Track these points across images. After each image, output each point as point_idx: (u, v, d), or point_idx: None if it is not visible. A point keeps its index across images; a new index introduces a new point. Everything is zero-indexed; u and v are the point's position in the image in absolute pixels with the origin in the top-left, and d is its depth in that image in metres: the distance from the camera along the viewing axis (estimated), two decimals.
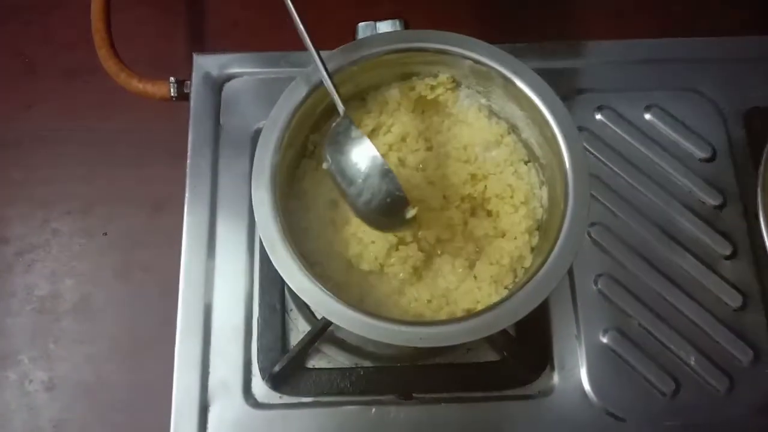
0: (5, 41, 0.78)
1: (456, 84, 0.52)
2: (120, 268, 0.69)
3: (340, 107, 0.45)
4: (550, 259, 0.44)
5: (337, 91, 0.45)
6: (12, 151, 0.74)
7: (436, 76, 0.52)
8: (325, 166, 0.44)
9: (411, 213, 0.42)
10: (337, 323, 0.42)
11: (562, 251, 0.45)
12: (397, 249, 0.49)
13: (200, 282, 0.57)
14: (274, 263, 0.44)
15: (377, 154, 0.42)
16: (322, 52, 0.58)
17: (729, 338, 0.56)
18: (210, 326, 0.56)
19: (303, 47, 0.61)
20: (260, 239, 0.56)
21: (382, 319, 0.42)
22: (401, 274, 0.48)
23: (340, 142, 0.43)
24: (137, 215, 0.71)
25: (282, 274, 0.44)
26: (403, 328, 0.42)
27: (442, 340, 0.42)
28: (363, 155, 0.42)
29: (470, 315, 0.43)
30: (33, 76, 0.77)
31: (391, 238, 0.48)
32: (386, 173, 0.41)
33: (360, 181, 0.42)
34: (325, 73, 0.45)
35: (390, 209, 0.42)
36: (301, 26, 0.45)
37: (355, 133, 0.43)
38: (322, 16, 0.77)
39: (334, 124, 0.45)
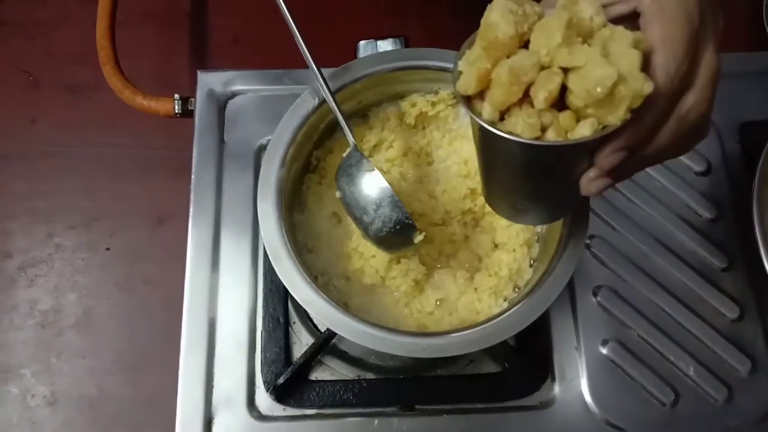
0: (10, 56, 0.79)
1: (456, 100, 0.53)
2: (123, 282, 0.69)
3: (351, 139, 0.46)
4: (550, 272, 0.45)
5: (345, 120, 0.46)
6: (16, 166, 0.74)
7: (437, 92, 0.53)
8: (338, 195, 0.47)
9: (419, 238, 0.45)
10: (342, 334, 0.43)
11: (562, 264, 0.45)
12: (398, 262, 0.49)
13: (204, 296, 0.57)
14: (279, 275, 0.45)
15: (387, 185, 0.44)
16: (325, 70, 0.60)
17: (727, 349, 0.56)
18: (214, 339, 0.56)
19: (305, 65, 0.63)
20: (264, 253, 0.57)
21: (386, 331, 0.43)
22: (403, 287, 0.49)
23: (353, 174, 0.45)
24: (140, 229, 0.71)
25: (287, 286, 0.44)
26: (407, 339, 0.43)
27: (445, 350, 0.43)
28: (374, 186, 0.45)
29: (472, 326, 0.44)
30: (37, 90, 0.78)
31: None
32: (396, 203, 0.44)
33: (372, 210, 0.45)
34: (333, 104, 0.47)
35: (400, 234, 0.45)
36: (306, 52, 0.46)
37: (366, 166, 0.45)
38: (322, 33, 0.78)
39: (344, 155, 0.47)
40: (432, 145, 0.54)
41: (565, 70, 0.32)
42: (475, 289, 0.50)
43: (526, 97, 0.33)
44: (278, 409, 0.54)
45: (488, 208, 0.52)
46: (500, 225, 0.51)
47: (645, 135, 0.34)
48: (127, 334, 0.67)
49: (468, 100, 0.35)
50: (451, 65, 0.49)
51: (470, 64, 0.34)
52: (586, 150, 0.34)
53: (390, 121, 0.54)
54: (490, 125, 0.34)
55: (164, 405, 0.56)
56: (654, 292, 0.58)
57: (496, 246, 0.51)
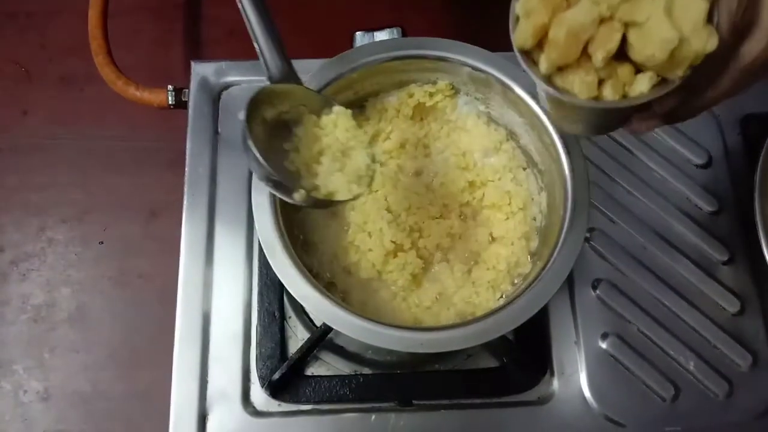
0: (1, 48, 0.78)
1: (455, 91, 0.52)
2: (116, 276, 0.68)
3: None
4: (549, 266, 0.44)
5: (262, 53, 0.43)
6: (7, 158, 0.73)
7: (434, 83, 0.52)
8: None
9: (298, 196, 0.40)
10: (338, 329, 0.42)
11: (562, 257, 0.45)
12: (395, 256, 0.49)
13: (199, 289, 0.56)
14: (274, 269, 0.44)
15: (249, 140, 0.40)
16: (321, 60, 0.59)
17: (728, 343, 0.56)
18: (209, 334, 0.55)
19: (300, 56, 0.62)
20: (259, 246, 0.56)
21: (383, 326, 0.42)
22: (400, 281, 0.48)
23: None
24: (134, 223, 0.70)
25: (282, 280, 0.43)
26: (404, 334, 0.42)
27: (444, 345, 0.42)
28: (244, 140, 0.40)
29: (471, 321, 0.43)
30: (29, 82, 0.77)
31: (387, 245, 0.48)
32: (256, 160, 0.39)
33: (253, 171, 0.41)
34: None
35: (281, 192, 0.41)
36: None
37: (240, 114, 0.41)
38: (319, 24, 0.78)
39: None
40: (430, 136, 0.53)
41: (626, 23, 0.31)
42: (473, 282, 0.49)
43: (584, 53, 0.32)
44: (273, 405, 0.53)
45: (486, 201, 0.51)
46: (498, 218, 0.50)
47: (704, 83, 0.33)
48: (121, 329, 0.66)
49: (525, 53, 0.34)
50: (448, 54, 0.49)
51: (527, 15, 0.32)
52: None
53: (387, 112, 0.53)
54: (546, 82, 0.33)
55: (158, 400, 0.55)
56: (654, 286, 0.57)
57: (494, 239, 0.50)
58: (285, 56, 0.43)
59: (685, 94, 0.33)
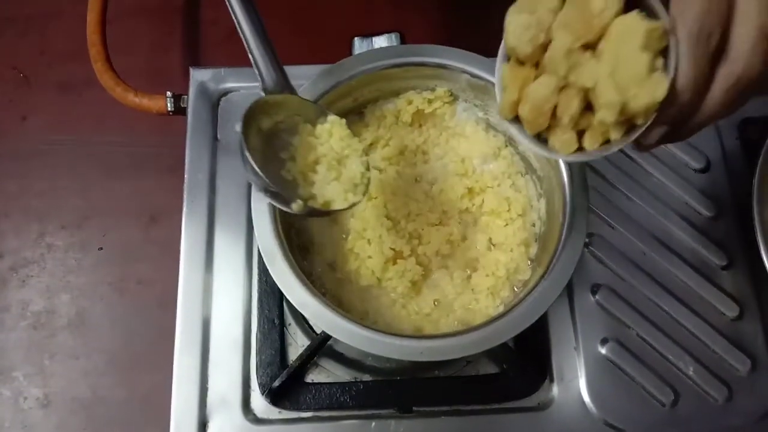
0: (0, 53, 0.78)
1: (453, 97, 0.52)
2: (116, 282, 0.68)
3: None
4: (549, 272, 0.44)
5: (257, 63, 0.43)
6: (7, 164, 0.73)
7: (433, 89, 0.52)
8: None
9: (296, 206, 0.41)
10: (338, 338, 0.42)
11: (561, 264, 0.45)
12: (394, 263, 0.49)
13: (198, 295, 0.56)
14: (273, 276, 0.44)
15: (247, 152, 0.40)
16: (320, 66, 0.59)
17: (727, 348, 0.56)
18: (209, 340, 0.55)
19: (298, 61, 0.62)
20: (258, 253, 0.56)
21: (383, 334, 0.42)
22: (399, 288, 0.48)
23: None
24: (133, 228, 0.70)
25: (281, 288, 0.43)
26: (404, 343, 0.42)
27: (443, 353, 0.42)
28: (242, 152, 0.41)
29: (471, 328, 0.43)
30: (28, 87, 0.77)
31: (387, 252, 0.48)
32: (254, 171, 0.40)
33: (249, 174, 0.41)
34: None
35: (279, 202, 0.41)
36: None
37: (237, 126, 0.41)
38: (317, 28, 0.78)
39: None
40: (429, 143, 0.53)
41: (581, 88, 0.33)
42: (473, 289, 0.49)
43: (555, 115, 0.34)
44: (274, 412, 0.53)
45: (485, 208, 0.51)
46: (497, 225, 0.50)
47: (685, 112, 0.33)
48: (121, 335, 0.66)
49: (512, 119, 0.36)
50: (447, 61, 0.49)
51: (503, 90, 0.36)
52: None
53: (386, 119, 0.53)
54: (534, 144, 0.35)
55: (159, 406, 0.55)
56: (653, 291, 0.57)
57: (493, 246, 0.50)
58: (280, 67, 0.43)
59: (670, 125, 0.33)
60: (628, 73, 0.31)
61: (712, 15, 0.31)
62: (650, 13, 0.32)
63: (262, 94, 0.43)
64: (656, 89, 0.31)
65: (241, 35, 0.43)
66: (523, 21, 0.33)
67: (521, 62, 0.35)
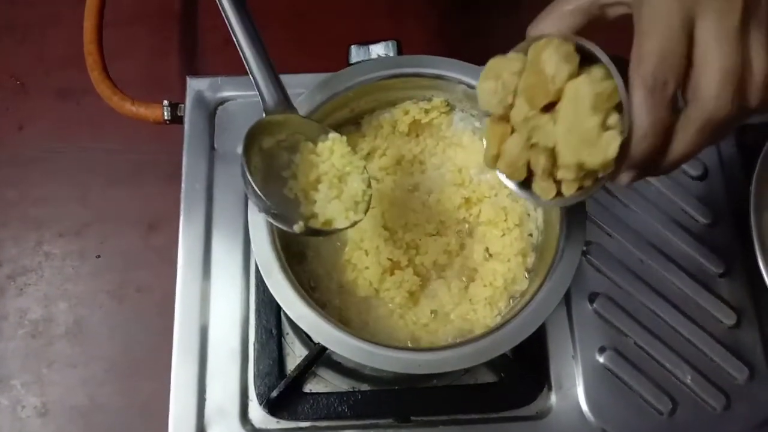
0: None
1: (450, 107, 0.52)
2: (114, 290, 0.68)
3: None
4: (546, 283, 0.44)
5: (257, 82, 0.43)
6: (4, 171, 0.73)
7: (430, 100, 0.52)
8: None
9: (297, 227, 0.41)
10: (336, 351, 0.42)
11: (559, 275, 0.45)
12: (391, 274, 0.49)
13: (196, 306, 0.56)
14: (270, 289, 0.44)
15: (248, 174, 0.40)
16: (317, 75, 0.59)
17: (724, 356, 0.56)
18: (206, 350, 0.55)
19: (295, 69, 0.62)
20: (256, 262, 0.56)
21: (381, 347, 0.42)
22: (397, 299, 0.48)
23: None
24: (131, 236, 0.70)
25: (278, 300, 0.43)
26: (402, 355, 0.42)
27: (441, 366, 0.42)
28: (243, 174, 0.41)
29: (469, 340, 0.43)
30: (25, 95, 0.77)
31: (384, 262, 0.48)
32: (257, 195, 0.40)
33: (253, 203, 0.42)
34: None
35: (281, 223, 0.41)
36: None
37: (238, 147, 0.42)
38: (315, 34, 0.78)
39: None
40: (426, 152, 0.53)
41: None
42: (470, 299, 0.49)
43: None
44: (272, 422, 0.53)
45: (482, 217, 0.51)
46: (494, 235, 0.50)
47: (649, 157, 0.33)
48: (119, 343, 0.66)
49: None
50: (444, 72, 0.49)
51: (486, 143, 0.39)
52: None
53: (383, 129, 0.53)
54: (519, 189, 0.38)
55: (157, 414, 0.55)
56: (651, 299, 0.57)
57: (490, 256, 0.50)
58: (280, 86, 0.43)
59: (640, 168, 0.34)
60: (580, 135, 0.32)
61: (666, 64, 0.31)
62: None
63: (263, 114, 0.43)
64: (608, 148, 0.32)
65: (242, 56, 0.43)
66: (489, 87, 0.36)
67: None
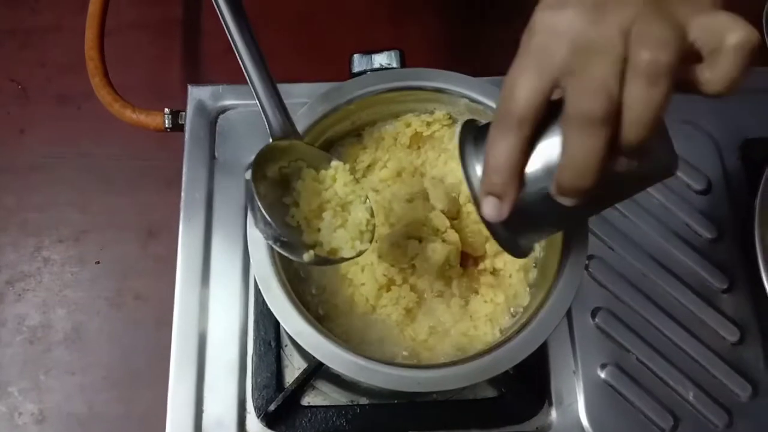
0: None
1: (452, 120, 0.52)
2: (113, 297, 0.68)
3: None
4: (549, 300, 0.44)
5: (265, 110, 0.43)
6: (4, 177, 0.73)
7: (432, 112, 0.51)
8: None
9: (307, 257, 0.41)
10: (334, 368, 0.41)
11: (561, 291, 0.44)
12: (388, 290, 0.48)
13: (195, 314, 0.56)
14: (269, 304, 0.43)
15: (257, 199, 0.40)
16: (319, 84, 0.58)
17: (727, 373, 0.55)
18: (204, 361, 0.55)
19: (297, 78, 0.61)
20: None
21: (381, 364, 0.42)
22: (394, 316, 0.48)
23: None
24: (131, 243, 0.70)
25: (277, 316, 0.43)
26: (402, 373, 0.42)
27: (440, 384, 0.42)
28: (250, 196, 0.41)
29: (469, 357, 0.43)
30: (26, 100, 0.77)
31: (380, 278, 0.48)
32: (266, 223, 0.40)
33: (258, 224, 0.41)
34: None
35: (289, 251, 0.41)
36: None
37: (247, 174, 0.41)
38: (318, 43, 0.77)
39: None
40: (427, 165, 0.53)
41: None
42: (471, 316, 0.48)
43: None
44: None
45: (483, 232, 0.50)
46: (495, 249, 0.50)
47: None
48: (118, 350, 0.66)
49: None
50: (446, 86, 0.49)
51: None
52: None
53: (384, 141, 0.52)
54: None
55: (155, 422, 0.55)
56: (653, 315, 0.57)
57: (492, 271, 0.50)
58: (286, 112, 0.43)
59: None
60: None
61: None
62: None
63: (269, 139, 0.43)
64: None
65: (249, 81, 0.43)
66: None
67: None
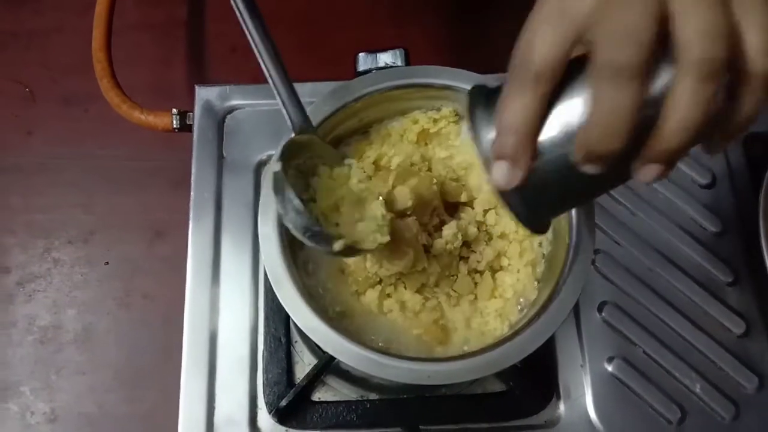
0: (4, 67, 0.78)
1: (459, 117, 0.52)
2: (122, 297, 0.69)
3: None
4: (556, 294, 0.44)
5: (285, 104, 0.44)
6: (12, 179, 0.74)
7: (438, 109, 0.52)
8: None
9: (338, 245, 0.40)
10: (346, 362, 0.42)
11: (568, 285, 0.45)
12: (395, 289, 0.48)
13: (205, 312, 0.56)
14: (280, 300, 0.44)
15: (290, 189, 0.39)
16: (326, 83, 0.59)
17: (734, 365, 0.56)
18: (215, 358, 0.55)
19: (303, 77, 0.62)
20: (265, 272, 0.56)
21: (390, 357, 0.42)
22: (402, 315, 0.48)
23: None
24: (139, 243, 0.71)
25: (289, 312, 0.43)
26: (412, 366, 0.42)
27: (450, 377, 0.42)
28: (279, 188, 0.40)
29: (478, 351, 0.43)
30: (32, 102, 0.77)
31: (386, 278, 0.48)
32: (298, 212, 0.39)
33: (288, 215, 0.40)
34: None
35: (318, 242, 0.40)
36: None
37: (274, 165, 0.41)
38: (322, 43, 0.78)
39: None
40: (433, 161, 0.53)
41: None
42: (480, 312, 0.49)
43: None
44: (281, 431, 0.53)
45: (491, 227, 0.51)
46: (505, 244, 0.50)
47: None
48: (127, 350, 0.67)
49: None
50: (452, 82, 0.49)
51: None
52: None
53: (391, 137, 0.53)
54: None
55: (165, 422, 0.56)
56: (659, 308, 0.57)
57: (500, 267, 0.50)
58: (302, 108, 0.44)
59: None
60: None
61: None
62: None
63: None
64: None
65: (268, 77, 0.43)
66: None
67: None
